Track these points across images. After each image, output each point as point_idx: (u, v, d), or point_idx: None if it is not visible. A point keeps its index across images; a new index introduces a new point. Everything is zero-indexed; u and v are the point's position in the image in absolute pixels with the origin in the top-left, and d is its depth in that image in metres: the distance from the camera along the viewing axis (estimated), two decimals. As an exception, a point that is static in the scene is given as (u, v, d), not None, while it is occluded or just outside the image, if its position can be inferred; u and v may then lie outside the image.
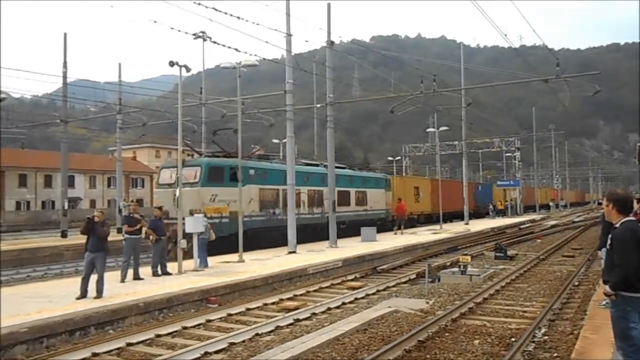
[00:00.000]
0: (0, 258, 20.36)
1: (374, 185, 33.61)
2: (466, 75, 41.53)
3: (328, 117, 23.70)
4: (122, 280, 13.44)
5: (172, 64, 16.20)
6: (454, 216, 44.08)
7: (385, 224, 32.80)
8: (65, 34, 29.76)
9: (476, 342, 8.60)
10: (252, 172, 22.61)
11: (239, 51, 17.65)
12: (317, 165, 29.54)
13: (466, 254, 17.56)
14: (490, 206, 53.09)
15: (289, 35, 20.87)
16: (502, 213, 55.19)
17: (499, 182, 67.80)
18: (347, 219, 28.68)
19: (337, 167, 26.78)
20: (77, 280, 11.96)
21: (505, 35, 34.11)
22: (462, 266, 15.19)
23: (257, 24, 18.29)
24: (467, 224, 38.47)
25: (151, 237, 14.44)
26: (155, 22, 23.96)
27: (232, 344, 8.72)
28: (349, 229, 27.53)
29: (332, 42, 23.49)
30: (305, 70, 23.80)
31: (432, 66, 38.51)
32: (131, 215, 14.47)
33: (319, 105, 28.21)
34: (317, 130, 40.37)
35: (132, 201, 27.80)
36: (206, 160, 21.73)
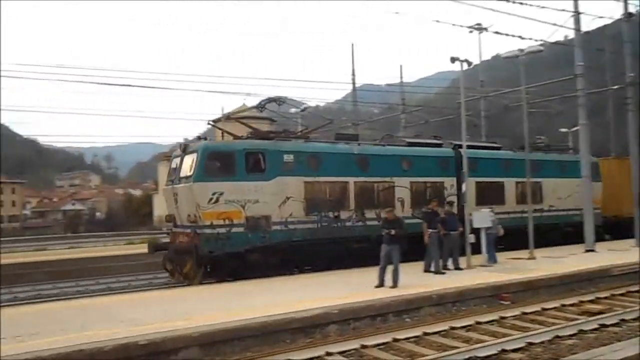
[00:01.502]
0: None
1: (564, 173, 22.71)
2: None
3: (628, 100, 20.86)
4: (436, 272, 14.25)
5: (453, 60, 16.27)
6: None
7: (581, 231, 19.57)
8: (352, 45, 32.61)
9: None
10: (288, 157, 16.02)
11: (523, 38, 16.83)
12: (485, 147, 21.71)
13: None
14: None
15: (577, 13, 19.09)
16: None
17: None
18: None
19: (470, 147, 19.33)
20: (372, 270, 13.02)
21: None
22: None
23: (541, 7, 17.24)
24: None
25: (441, 232, 14.70)
26: (437, 21, 23.72)
27: (530, 344, 8.36)
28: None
29: (630, 14, 20.63)
30: (599, 48, 21.37)
31: None
32: (432, 211, 15.10)
33: (615, 87, 25.03)
34: (611, 115, 35.92)
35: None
36: (204, 144, 15.74)
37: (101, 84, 23.36)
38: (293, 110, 36.64)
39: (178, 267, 15.38)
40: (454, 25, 20.92)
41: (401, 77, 35.14)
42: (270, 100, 17.82)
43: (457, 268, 14.88)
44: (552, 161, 23.09)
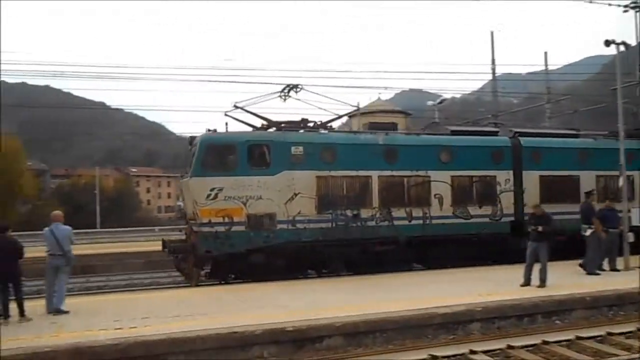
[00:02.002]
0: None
1: None
2: None
3: None
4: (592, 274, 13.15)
5: (607, 43, 14.93)
6: None
7: None
8: (492, 32, 31.17)
9: None
10: (297, 149, 14.60)
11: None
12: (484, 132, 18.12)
13: None
14: None
15: None
16: None
17: None
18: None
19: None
20: (515, 267, 12.40)
21: None
22: None
23: None
24: None
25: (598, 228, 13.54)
26: (590, 1, 21.08)
27: None
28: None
29: None
30: None
31: None
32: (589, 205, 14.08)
33: None
34: None
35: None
36: (204, 135, 14.68)
37: (249, 83, 24.63)
38: (430, 102, 36.08)
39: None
40: (610, 4, 19.04)
41: (546, 64, 32.96)
42: (288, 87, 16.29)
43: (614, 269, 13.68)
44: None
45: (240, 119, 15.69)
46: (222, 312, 9.80)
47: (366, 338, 8.71)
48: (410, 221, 15.39)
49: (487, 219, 16.15)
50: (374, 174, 15.16)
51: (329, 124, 15.93)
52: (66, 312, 9.91)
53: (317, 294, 11.78)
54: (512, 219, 16.42)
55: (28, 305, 9.80)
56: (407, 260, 15.62)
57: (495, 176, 16.39)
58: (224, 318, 9.15)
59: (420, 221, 15.50)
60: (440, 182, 15.76)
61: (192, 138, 14.93)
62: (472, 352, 7.88)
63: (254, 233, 13.97)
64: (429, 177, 15.70)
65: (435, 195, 15.69)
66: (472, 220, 15.97)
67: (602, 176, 17.42)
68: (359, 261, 15.04)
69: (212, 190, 13.81)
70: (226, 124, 15.31)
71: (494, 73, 30.30)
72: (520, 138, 17.23)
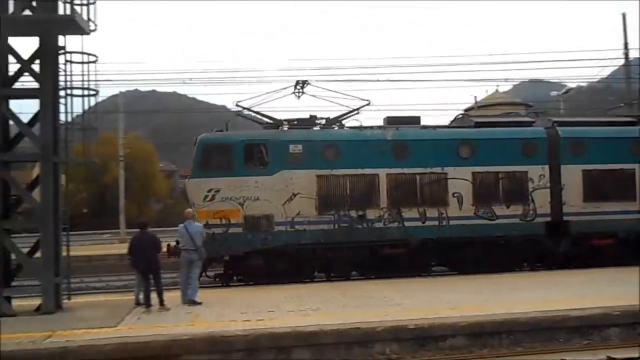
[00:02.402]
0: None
1: None
2: None
3: None
4: None
5: None
6: None
7: None
8: (623, 15, 28.69)
9: None
10: (295, 148, 14.08)
11: None
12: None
13: None
14: None
15: None
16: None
17: None
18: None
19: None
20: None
21: None
22: None
23: None
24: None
25: None
26: None
27: None
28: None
29: None
30: None
31: None
32: None
33: None
34: None
35: None
36: (201, 136, 14.30)
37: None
38: (554, 92, 34.00)
39: None
40: None
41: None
42: (298, 84, 15.76)
43: None
44: None
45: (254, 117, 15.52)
46: (336, 309, 9.92)
47: (492, 339, 8.42)
48: (423, 222, 14.39)
49: (516, 220, 14.70)
50: (382, 172, 14.33)
51: (340, 120, 15.42)
52: (199, 303, 10.61)
53: (433, 292, 11.57)
54: (549, 219, 14.82)
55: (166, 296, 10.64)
56: (422, 265, 14.76)
57: (526, 172, 14.83)
58: (340, 314, 9.28)
59: (436, 222, 14.43)
60: (460, 179, 14.57)
61: (196, 138, 14.56)
62: (610, 359, 7.34)
63: (251, 235, 13.68)
64: (446, 174, 14.57)
65: (453, 194, 14.52)
66: (497, 221, 14.61)
67: None
68: (366, 265, 14.38)
69: (209, 191, 13.67)
70: (226, 123, 15.00)
71: (626, 58, 27.86)
72: (558, 128, 15.36)
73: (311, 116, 15.38)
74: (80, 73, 11.23)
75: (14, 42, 10.78)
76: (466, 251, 14.55)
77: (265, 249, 13.75)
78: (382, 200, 14.30)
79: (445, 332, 8.37)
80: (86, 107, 11.62)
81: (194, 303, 10.65)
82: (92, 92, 11.36)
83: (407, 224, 14.33)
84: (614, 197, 14.84)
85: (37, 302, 10.39)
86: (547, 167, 14.89)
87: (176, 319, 9.32)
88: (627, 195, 14.87)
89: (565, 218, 14.72)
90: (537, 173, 14.83)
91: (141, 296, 10.63)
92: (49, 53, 10.75)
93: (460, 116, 16.54)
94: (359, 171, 14.29)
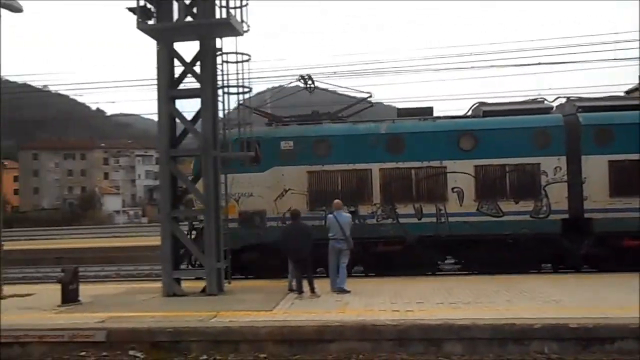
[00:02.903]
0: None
1: None
2: None
3: None
4: None
5: None
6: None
7: None
8: None
9: None
10: (286, 144, 14.14)
11: None
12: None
13: None
14: None
15: None
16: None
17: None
18: None
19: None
20: None
21: None
22: None
23: None
24: None
25: None
26: None
27: None
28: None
29: None
30: None
31: None
32: None
33: None
34: None
35: None
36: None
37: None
38: None
39: None
40: None
41: None
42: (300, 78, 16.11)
43: None
44: None
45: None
46: (488, 303, 9.55)
47: (671, 345, 7.56)
48: (420, 219, 13.83)
49: (527, 216, 13.52)
50: (375, 167, 13.98)
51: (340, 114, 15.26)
52: (348, 292, 10.86)
53: (592, 290, 10.73)
54: (566, 216, 13.51)
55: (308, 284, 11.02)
56: (419, 264, 13.80)
57: (538, 164, 13.56)
58: (492, 309, 8.94)
59: (434, 219, 13.80)
60: (460, 173, 13.74)
61: None
62: None
63: (245, 230, 13.77)
64: (445, 167, 13.85)
65: (453, 189, 13.80)
66: (504, 217, 13.57)
67: None
68: (360, 262, 13.88)
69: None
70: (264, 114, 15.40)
71: None
72: (580, 115, 13.71)
73: (313, 112, 15.43)
74: (235, 72, 12.02)
75: (177, 47, 11.89)
76: (469, 249, 13.94)
77: (259, 244, 13.71)
78: (375, 195, 14.04)
79: (613, 334, 7.69)
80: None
81: (343, 291, 10.92)
82: (246, 90, 12.09)
83: (402, 220, 13.95)
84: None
85: (201, 284, 11.39)
86: (564, 158, 13.61)
87: (327, 306, 9.62)
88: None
89: (586, 215, 13.39)
90: (552, 165, 13.59)
91: (294, 283, 11.14)
92: (208, 55, 11.63)
93: (476, 105, 15.29)
94: (351, 166, 14.12)
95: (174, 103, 11.83)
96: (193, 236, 13.65)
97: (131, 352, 8.22)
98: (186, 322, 8.58)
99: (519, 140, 13.78)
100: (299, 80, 16.57)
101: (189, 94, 12.13)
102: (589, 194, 13.44)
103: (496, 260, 13.53)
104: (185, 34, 11.67)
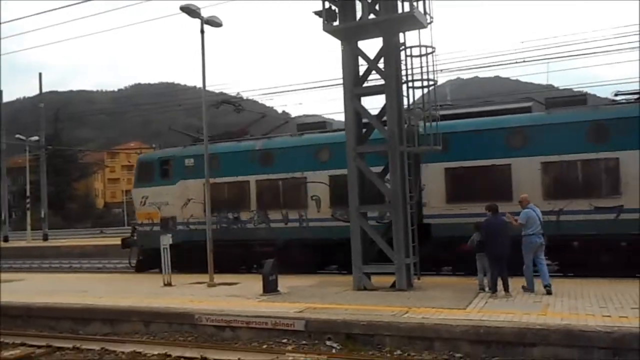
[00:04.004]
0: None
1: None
2: None
3: None
4: None
5: None
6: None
7: None
8: None
9: None
10: (189, 161, 16.89)
11: None
12: None
13: None
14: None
15: None
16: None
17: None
18: None
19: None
20: None
21: None
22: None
23: None
24: None
25: None
26: None
27: None
28: None
29: None
30: None
31: None
32: None
33: None
34: None
35: None
36: (140, 156, 20.00)
37: None
38: None
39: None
40: None
41: None
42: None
43: None
44: None
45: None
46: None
47: None
48: (286, 224, 15.33)
49: (373, 222, 13.03)
50: (252, 179, 15.88)
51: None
52: (533, 291, 10.17)
53: None
54: None
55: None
56: (294, 263, 14.57)
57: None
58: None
59: (297, 224, 15.15)
60: (318, 182, 14.93)
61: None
62: None
63: (164, 232, 15.45)
64: (305, 178, 15.11)
65: (312, 197, 15.00)
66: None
67: None
68: (244, 260, 16.31)
69: (142, 198, 17.68)
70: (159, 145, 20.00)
71: None
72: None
73: (225, 132, 18.20)
74: (419, 65, 11.84)
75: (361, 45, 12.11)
76: (332, 251, 14.73)
77: (172, 245, 14.62)
78: (252, 203, 15.90)
79: None
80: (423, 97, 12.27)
81: (530, 290, 10.25)
82: (431, 82, 11.86)
83: (272, 225, 15.59)
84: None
85: (390, 279, 11.46)
86: None
87: (525, 307, 9.02)
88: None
89: (425, 221, 13.51)
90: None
91: (486, 281, 10.62)
92: (391, 50, 11.64)
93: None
94: (234, 178, 16.16)
95: (359, 100, 12.05)
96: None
97: (328, 343, 8.55)
98: (379, 316, 8.68)
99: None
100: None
101: (374, 90, 12.26)
102: (428, 200, 13.68)
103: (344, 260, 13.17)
104: (369, 32, 11.79)
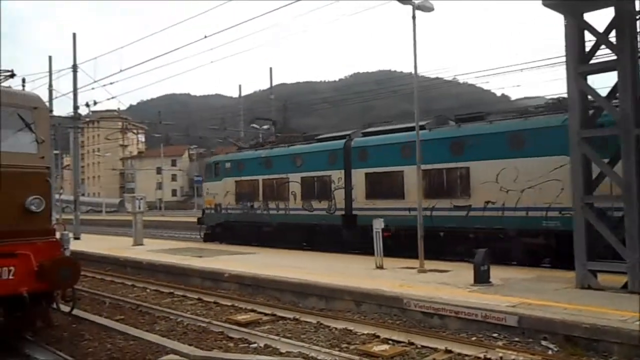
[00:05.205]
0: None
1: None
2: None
3: None
4: None
5: None
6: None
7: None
8: None
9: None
10: (228, 165, 23.85)
11: None
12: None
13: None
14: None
15: None
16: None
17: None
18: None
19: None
20: None
21: None
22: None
23: None
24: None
25: None
26: None
27: None
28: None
29: None
30: None
31: None
32: None
33: None
34: None
35: None
36: (211, 158, 27.21)
37: None
38: None
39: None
40: None
41: None
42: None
43: None
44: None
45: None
46: None
47: None
48: (277, 211, 21.28)
49: (324, 212, 19.42)
50: (260, 178, 22.08)
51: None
52: None
53: None
54: (344, 212, 18.75)
55: None
56: (281, 240, 21.15)
57: (330, 175, 19.27)
58: None
59: (283, 212, 20.97)
60: (294, 182, 20.53)
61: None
62: None
63: (216, 214, 24.12)
64: (288, 178, 20.77)
65: (292, 192, 20.59)
66: (314, 212, 19.80)
67: None
68: (260, 237, 22.31)
69: (206, 189, 25.44)
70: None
71: None
72: (352, 140, 19.02)
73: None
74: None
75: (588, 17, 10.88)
76: (304, 233, 20.66)
77: (220, 223, 23.95)
78: (260, 196, 21.93)
79: None
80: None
81: None
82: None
83: (271, 212, 21.51)
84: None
85: (621, 279, 10.21)
86: (343, 171, 18.79)
87: None
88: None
89: (354, 212, 18.44)
90: (337, 176, 18.97)
91: None
92: (625, 20, 10.24)
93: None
94: (250, 178, 22.44)
95: (585, 79, 10.88)
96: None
97: (544, 343, 8.00)
98: (606, 320, 7.81)
99: (320, 159, 19.62)
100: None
101: (603, 67, 10.93)
102: (355, 196, 18.36)
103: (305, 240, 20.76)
104: (597, 2, 10.53)
